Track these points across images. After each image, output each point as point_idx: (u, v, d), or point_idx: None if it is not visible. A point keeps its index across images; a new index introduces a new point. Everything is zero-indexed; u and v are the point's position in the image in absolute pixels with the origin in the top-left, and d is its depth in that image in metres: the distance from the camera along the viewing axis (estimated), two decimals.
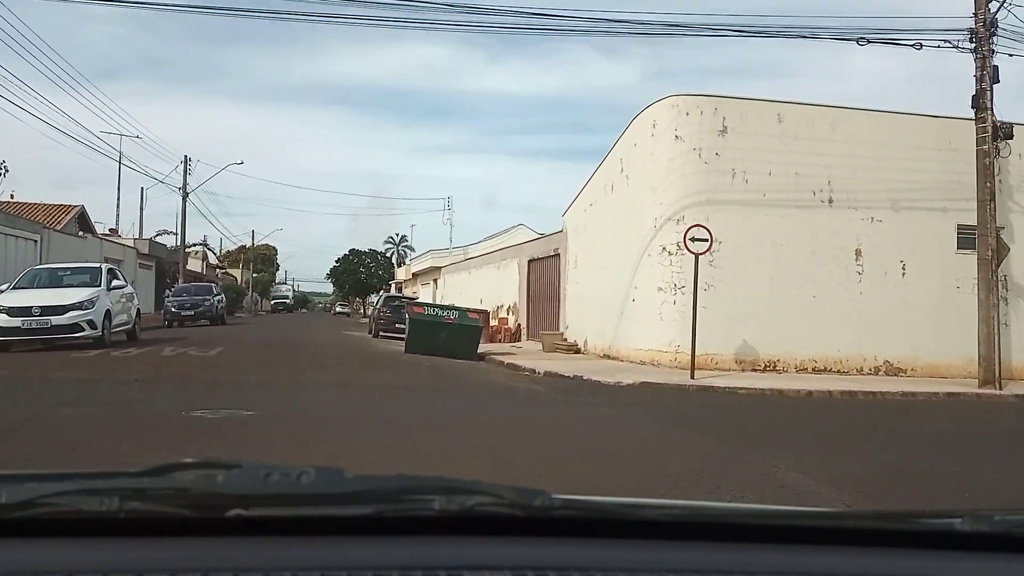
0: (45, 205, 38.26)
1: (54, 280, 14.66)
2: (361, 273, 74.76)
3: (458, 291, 35.68)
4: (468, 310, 17.21)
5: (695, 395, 11.69)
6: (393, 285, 74.38)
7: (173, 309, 27.80)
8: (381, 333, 25.82)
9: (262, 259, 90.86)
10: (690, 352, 13.92)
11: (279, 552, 0.92)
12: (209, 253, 56.87)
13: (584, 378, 12.85)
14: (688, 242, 13.06)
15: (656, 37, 11.91)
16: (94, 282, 14.43)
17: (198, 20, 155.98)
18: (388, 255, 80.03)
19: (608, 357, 16.56)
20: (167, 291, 29.77)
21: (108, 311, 14.05)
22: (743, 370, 14.58)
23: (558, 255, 20.73)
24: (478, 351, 17.19)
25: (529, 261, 23.56)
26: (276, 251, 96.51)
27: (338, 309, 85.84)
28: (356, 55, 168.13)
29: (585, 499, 1.07)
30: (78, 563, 0.87)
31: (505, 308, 25.83)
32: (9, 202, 34.15)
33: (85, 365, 11.02)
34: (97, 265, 15.28)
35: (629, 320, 15.73)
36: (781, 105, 15.21)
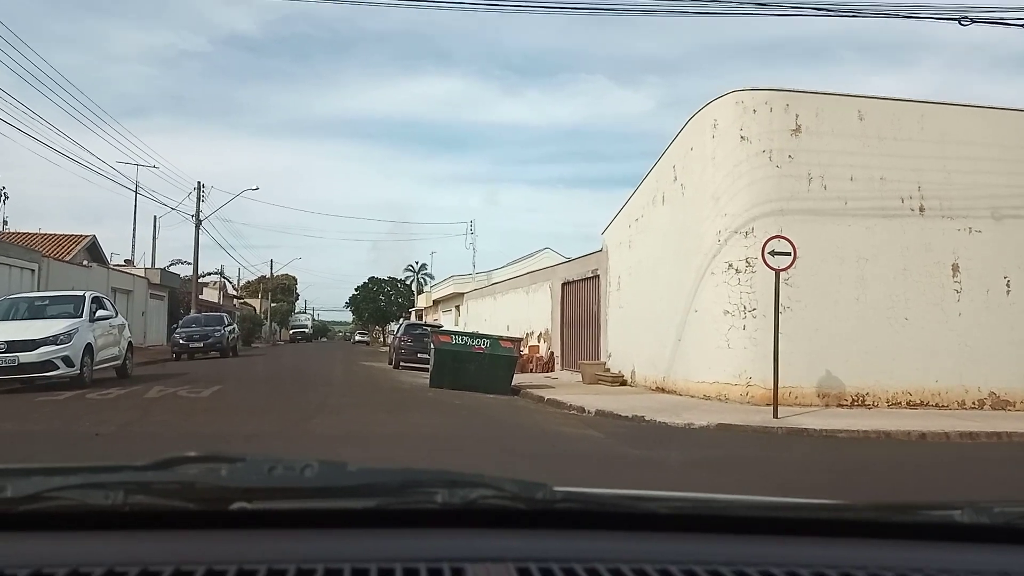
0: (55, 235, 37.08)
1: (33, 311, 12.86)
2: (380, 301, 73.14)
3: (482, 318, 33.69)
4: (500, 338, 15.22)
5: (787, 440, 9.57)
6: (413, 313, 72.66)
7: (181, 341, 26.05)
8: (402, 364, 23.84)
9: (282, 289, 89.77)
10: (769, 385, 11.82)
11: (283, 545, 0.91)
12: (227, 283, 55.41)
13: (645, 419, 10.76)
14: (767, 256, 11.01)
15: (730, 16, 9.84)
16: (76, 312, 12.62)
17: (221, 58, 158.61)
18: (408, 283, 78.40)
19: (662, 390, 14.45)
20: (176, 322, 28.09)
21: (89, 345, 12.21)
22: (827, 405, 12.42)
23: (597, 276, 18.72)
24: (511, 383, 15.18)
25: (563, 284, 21.55)
26: (296, 281, 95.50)
27: (357, 338, 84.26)
28: (374, 89, 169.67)
29: (587, 491, 1.09)
30: (83, 556, 0.86)
31: (536, 335, 23.80)
32: (15, 232, 32.85)
33: (46, 412, 9.17)
34: (80, 293, 13.48)
35: (688, 348, 13.63)
36: (862, 100, 13.19)
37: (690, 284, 13.60)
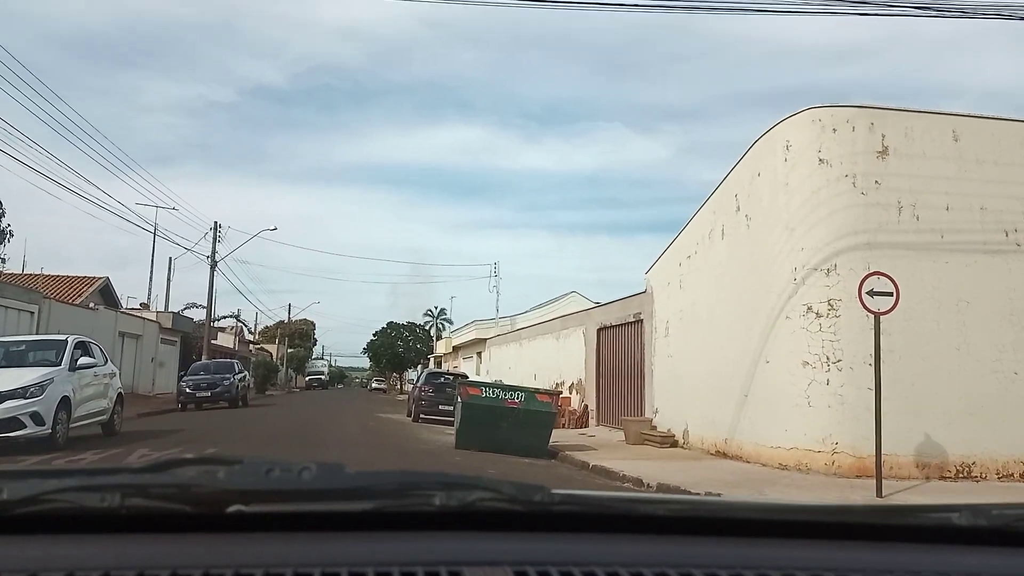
0: (66, 277, 35.99)
1: (9, 357, 11.25)
2: (399, 347, 71.51)
3: (506, 366, 31.81)
4: (536, 391, 13.40)
5: None
6: (432, 359, 70.80)
7: (187, 390, 24.41)
8: (422, 416, 22.02)
9: (299, 334, 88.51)
10: (860, 453, 10.04)
11: (280, 548, 0.91)
12: (243, 328, 54.05)
13: (719, 495, 8.84)
14: (864, 297, 9.19)
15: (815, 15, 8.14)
16: (56, 360, 11.00)
17: (246, 107, 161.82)
18: (427, 328, 76.79)
19: (723, 455, 12.50)
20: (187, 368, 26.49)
21: (66, 399, 10.55)
22: (927, 477, 10.43)
23: (639, 321, 16.91)
24: (549, 444, 13.32)
25: (599, 330, 19.73)
26: (314, 326, 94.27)
27: (374, 385, 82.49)
28: (397, 137, 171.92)
29: (585, 494, 1.07)
30: (80, 559, 0.86)
31: (567, 386, 21.90)
32: (21, 274, 31.70)
33: None
34: (62, 338, 11.86)
35: (757, 406, 11.73)
36: (956, 119, 11.47)
37: (759, 330, 11.76)
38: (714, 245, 13.51)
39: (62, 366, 10.74)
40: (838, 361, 10.68)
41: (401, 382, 78.32)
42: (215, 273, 33.28)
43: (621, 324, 18.18)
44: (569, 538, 1.00)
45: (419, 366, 75.61)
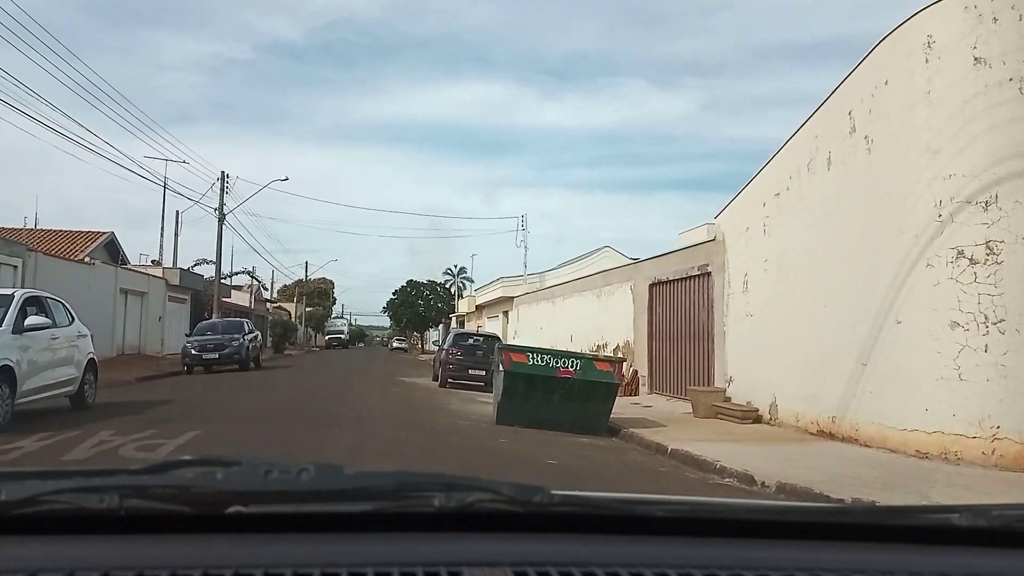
0: (68, 232, 34.02)
1: None
2: (419, 306, 69.44)
3: (536, 326, 29.49)
4: (595, 359, 11.02)
5: None
6: (454, 319, 68.75)
7: (193, 352, 22.33)
8: (450, 381, 19.80)
9: (318, 293, 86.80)
10: None
11: (279, 549, 0.91)
12: (257, 284, 52.04)
13: (872, 503, 6.45)
14: None
15: None
16: None
17: (263, 65, 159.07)
18: (448, 286, 74.63)
19: (829, 436, 10.10)
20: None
21: (7, 369, 8.33)
22: None
23: (707, 274, 14.41)
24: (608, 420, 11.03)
25: (651, 285, 17.25)
26: (333, 285, 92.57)
27: (395, 344, 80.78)
28: (415, 94, 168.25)
29: (585, 495, 1.07)
30: (78, 560, 0.86)
31: (611, 349, 19.52)
32: (13, 229, 29.73)
33: None
34: (8, 292, 9.58)
35: (882, 378, 9.27)
36: None
37: (885, 282, 9.24)
38: (815, 178, 10.92)
39: (2, 327, 8.49)
40: (1000, 321, 8.19)
41: (422, 342, 76.60)
42: (224, 227, 31.07)
43: (681, 279, 15.68)
44: (568, 539, 1.00)
45: (440, 325, 73.74)
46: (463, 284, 79.10)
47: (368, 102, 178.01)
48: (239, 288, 54.30)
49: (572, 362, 10.74)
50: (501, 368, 10.79)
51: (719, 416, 12.48)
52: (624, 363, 11.30)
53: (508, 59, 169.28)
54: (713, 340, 13.96)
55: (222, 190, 31.54)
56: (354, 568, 0.86)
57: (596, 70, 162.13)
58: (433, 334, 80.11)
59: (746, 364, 12.68)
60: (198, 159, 77.94)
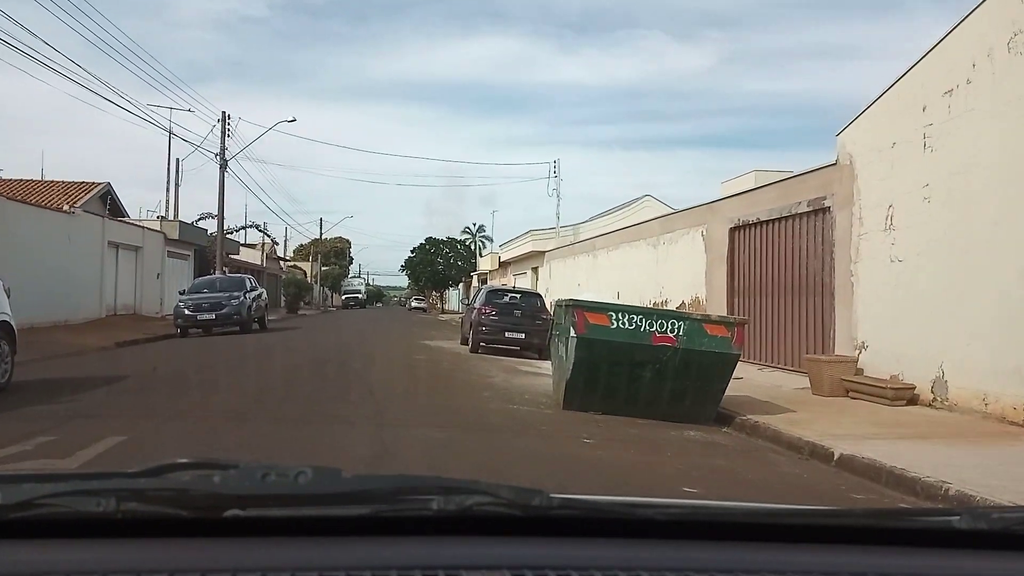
0: (59, 183, 31.22)
1: None
2: (439, 264, 66.26)
3: (574, 282, 26.40)
4: (705, 319, 7.84)
5: None
6: (475, 276, 65.75)
7: (186, 311, 19.48)
8: (483, 345, 16.81)
9: (335, 252, 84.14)
10: None
11: (277, 553, 0.91)
12: (267, 239, 49.11)
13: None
14: None
15: None
16: None
17: (277, 21, 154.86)
18: (467, 244, 71.48)
19: None
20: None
21: None
22: None
23: (822, 210, 11.17)
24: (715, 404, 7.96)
25: (733, 229, 14.03)
26: (349, 244, 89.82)
27: (414, 304, 78.13)
28: (431, 50, 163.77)
29: (584, 498, 1.06)
30: (75, 564, 0.86)
31: (675, 307, 16.39)
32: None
33: None
34: None
35: None
36: None
37: None
38: (1015, 65, 7.59)
39: None
40: None
41: (442, 301, 73.76)
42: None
43: (779, 218, 12.43)
44: (567, 543, 0.99)
45: (460, 284, 70.81)
46: (482, 243, 75.98)
47: (383, 59, 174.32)
48: (252, 247, 51.57)
49: (673, 325, 7.62)
50: (573, 334, 7.68)
51: (851, 394, 9.38)
52: (745, 325, 8.12)
53: (524, 12, 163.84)
54: (833, 294, 10.76)
55: (223, 132, 28.41)
56: (352, 572, 0.86)
57: (614, 22, 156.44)
58: (453, 293, 77.34)
59: (889, 325, 9.50)
60: (207, 109, 74.83)
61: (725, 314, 13.97)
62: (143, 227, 27.09)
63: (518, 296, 17.53)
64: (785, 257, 12.28)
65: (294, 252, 78.57)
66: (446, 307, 73.78)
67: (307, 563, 0.88)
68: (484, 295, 17.40)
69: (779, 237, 12.49)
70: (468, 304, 19.18)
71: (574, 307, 7.72)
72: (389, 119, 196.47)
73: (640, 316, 7.67)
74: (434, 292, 76.64)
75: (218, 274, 26.03)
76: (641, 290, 18.94)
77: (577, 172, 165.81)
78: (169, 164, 34.96)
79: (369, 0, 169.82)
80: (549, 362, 16.66)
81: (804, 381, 10.38)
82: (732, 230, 14.10)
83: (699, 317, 7.79)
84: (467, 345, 18.23)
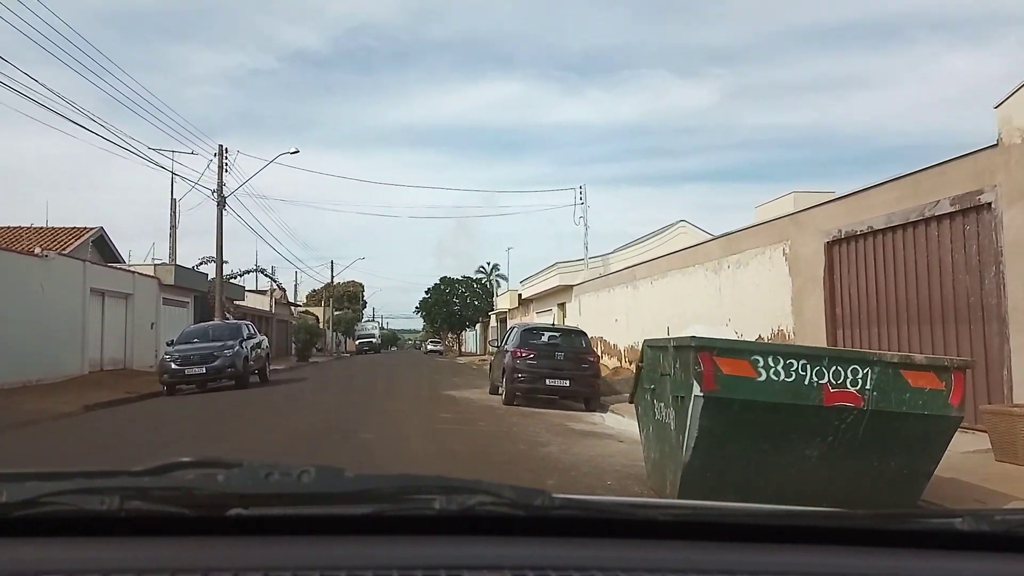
0: (50, 229, 29.08)
1: None
2: (455, 304, 63.70)
3: (611, 317, 23.67)
4: (905, 364, 5.04)
5: None
6: (493, 316, 63.03)
7: (173, 366, 16.82)
8: (518, 395, 14.06)
9: (348, 296, 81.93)
10: None
11: (279, 551, 0.91)
12: (277, 286, 46.61)
13: None
14: None
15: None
16: None
17: (287, 74, 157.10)
18: (484, 283, 68.92)
19: None
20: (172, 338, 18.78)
21: None
22: None
23: (979, 208, 8.42)
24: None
25: (832, 243, 11.28)
26: (363, 288, 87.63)
27: (430, 347, 75.42)
28: (436, 96, 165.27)
29: (585, 498, 1.06)
30: (79, 562, 0.86)
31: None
32: None
33: None
34: None
35: None
36: None
37: None
38: None
39: None
40: None
41: (459, 343, 71.00)
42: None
43: (905, 224, 9.68)
44: (570, 543, 0.99)
45: (478, 325, 68.06)
46: (497, 282, 73.49)
47: (392, 107, 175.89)
48: (263, 293, 49.22)
49: (856, 372, 4.86)
50: (697, 391, 4.92)
51: None
52: (969, 370, 5.30)
53: (529, 57, 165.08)
54: (1004, 320, 7.96)
55: (220, 167, 26.11)
56: (354, 571, 0.86)
57: (617, 63, 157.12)
58: (470, 335, 74.53)
59: None
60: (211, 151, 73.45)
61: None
62: (133, 272, 24.67)
63: (558, 335, 14.80)
64: (917, 274, 9.51)
65: (306, 297, 76.33)
66: (463, 349, 70.98)
67: (309, 562, 0.87)
68: (518, 335, 14.67)
69: (906, 249, 9.73)
70: (498, 347, 16.45)
71: (697, 350, 4.96)
72: (398, 164, 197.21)
73: (803, 361, 4.90)
74: (450, 334, 73.97)
75: (217, 321, 23.50)
76: (694, 324, 16.13)
77: (574, 216, 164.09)
78: (173, 210, 32.77)
79: (376, 51, 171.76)
80: (602, 416, 14.06)
81: (975, 441, 7.56)
82: (830, 244, 11.36)
83: (896, 360, 5.00)
84: (498, 394, 15.47)
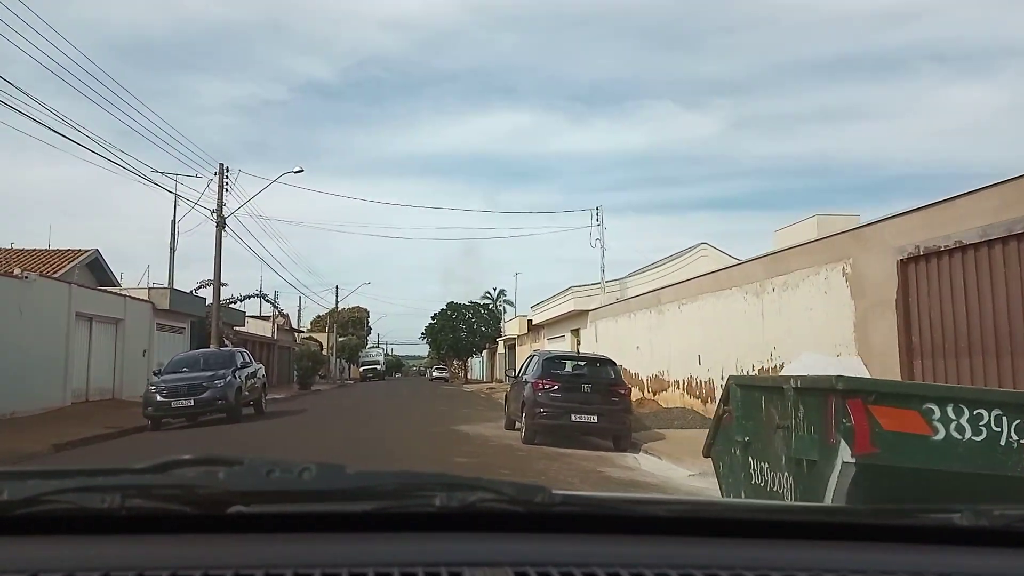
0: (43, 251, 27.86)
1: None
2: (461, 330, 62.02)
3: (630, 345, 22.13)
4: None
5: None
6: (501, 342, 61.44)
7: (158, 398, 15.32)
8: (539, 432, 12.54)
9: (353, 322, 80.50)
10: None
11: (281, 548, 0.90)
12: (278, 311, 45.11)
13: None
14: None
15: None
16: None
17: (298, 104, 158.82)
18: (491, 309, 67.39)
19: None
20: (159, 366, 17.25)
21: None
22: None
23: None
24: None
25: (904, 261, 9.79)
26: (368, 313, 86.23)
27: (435, 374, 73.82)
28: (445, 127, 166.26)
29: (586, 495, 1.06)
30: (80, 560, 0.86)
31: (770, 368, 12.05)
32: None
33: None
34: None
35: None
36: None
37: None
38: None
39: None
40: None
41: (465, 370, 69.33)
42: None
43: (1001, 238, 8.19)
44: (570, 539, 0.98)
45: (485, 352, 66.36)
46: (504, 308, 71.93)
47: (401, 137, 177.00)
48: (266, 319, 47.81)
49: None
50: (847, 456, 3.42)
51: None
52: None
53: (534, 88, 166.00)
54: None
55: (220, 186, 24.81)
56: (355, 568, 0.85)
57: (622, 94, 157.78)
58: (476, 362, 72.78)
59: None
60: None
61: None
62: (125, 296, 23.27)
63: (584, 364, 13.29)
64: (1023, 296, 8.01)
65: (311, 324, 74.86)
66: (469, 376, 69.25)
67: (310, 559, 0.87)
68: (540, 365, 13.14)
69: (1008, 266, 8.24)
70: (515, 376, 14.91)
71: (845, 395, 3.46)
72: (406, 192, 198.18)
73: (997, 411, 3.41)
74: (456, 360, 72.28)
75: (212, 348, 22.03)
76: (736, 353, 14.65)
77: (590, 238, 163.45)
78: (174, 229, 31.47)
79: (385, 82, 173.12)
80: (635, 457, 12.41)
81: None
82: (904, 263, 9.87)
83: None
84: (514, 429, 13.95)
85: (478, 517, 0.97)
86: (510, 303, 74.28)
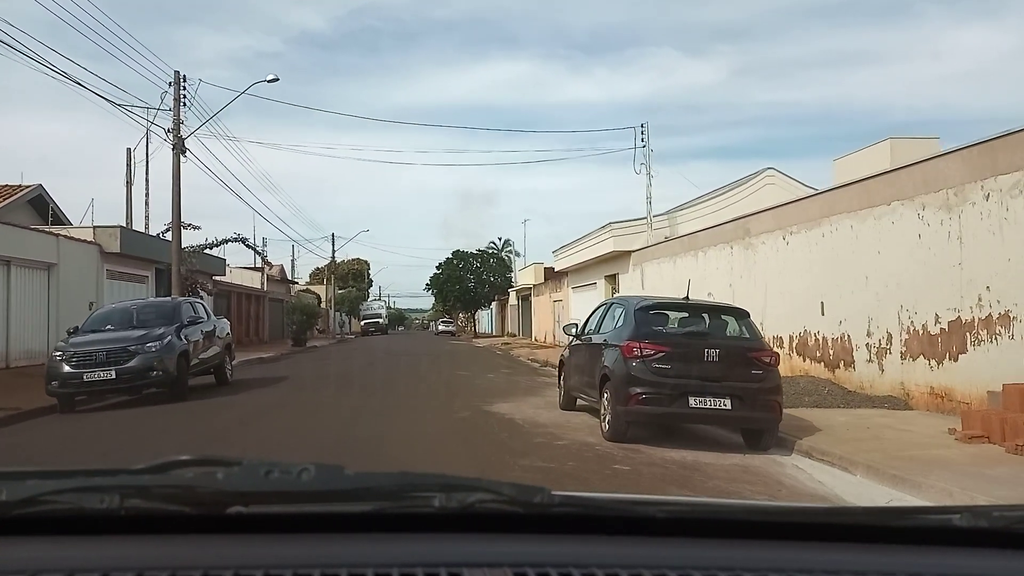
0: None
1: None
2: (469, 281, 57.20)
3: (702, 292, 17.43)
4: None
5: None
6: (513, 293, 56.80)
7: (66, 368, 10.68)
8: (633, 424, 7.89)
9: (352, 275, 75.89)
10: None
11: (280, 549, 0.90)
12: (258, 256, 40.26)
13: None
14: None
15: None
16: None
17: (293, 56, 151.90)
18: (502, 256, 62.58)
19: None
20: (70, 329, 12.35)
21: None
22: None
23: None
24: None
25: None
26: (368, 265, 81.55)
27: (441, 327, 69.40)
28: (443, 78, 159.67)
29: (585, 496, 1.05)
30: (79, 561, 0.85)
31: (974, 325, 7.40)
32: None
33: None
34: None
35: None
36: None
37: None
38: None
39: None
40: None
41: (474, 323, 64.89)
42: (173, 152, 19.31)
43: None
44: (568, 540, 0.98)
45: (494, 303, 61.78)
46: (510, 258, 67.00)
47: (398, 89, 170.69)
48: (259, 270, 42.88)
49: None
50: None
51: None
52: None
53: (534, 37, 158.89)
54: None
55: (177, 99, 19.77)
56: (354, 569, 0.85)
57: (623, 41, 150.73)
58: (484, 314, 68.28)
59: None
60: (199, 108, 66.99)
61: None
62: (58, 235, 18.42)
63: (702, 317, 8.50)
64: None
65: (310, 276, 70.19)
66: (478, 329, 64.87)
67: (310, 560, 0.87)
68: (632, 318, 8.33)
69: None
70: (578, 335, 10.17)
71: None
72: (407, 146, 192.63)
73: None
74: (463, 314, 67.78)
75: (175, 295, 17.35)
76: (899, 297, 9.97)
77: (594, 190, 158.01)
78: (129, 162, 26.51)
79: (381, 31, 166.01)
80: (791, 461, 6.82)
81: None
82: None
83: None
84: (574, 409, 9.41)
85: (477, 518, 0.96)
86: (516, 253, 69.44)
